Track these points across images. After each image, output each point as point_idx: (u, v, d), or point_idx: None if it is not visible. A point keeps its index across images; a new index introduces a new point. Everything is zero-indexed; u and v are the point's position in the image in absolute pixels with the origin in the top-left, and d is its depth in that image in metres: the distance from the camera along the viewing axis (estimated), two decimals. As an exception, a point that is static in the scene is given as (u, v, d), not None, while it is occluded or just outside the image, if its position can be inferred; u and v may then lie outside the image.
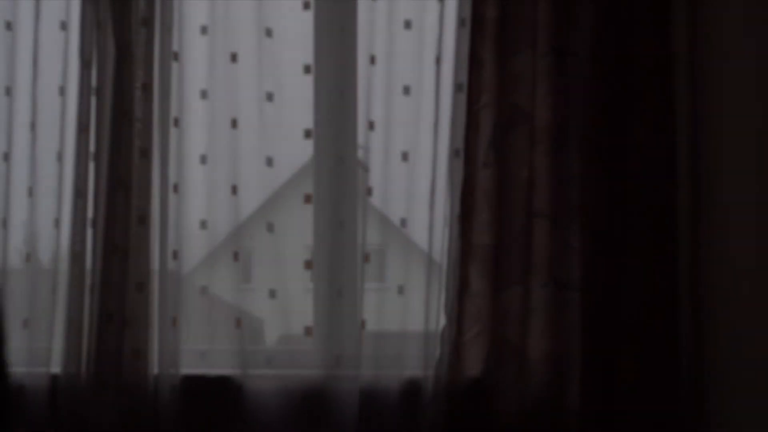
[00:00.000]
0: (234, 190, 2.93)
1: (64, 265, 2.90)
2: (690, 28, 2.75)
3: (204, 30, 2.96)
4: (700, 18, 2.70)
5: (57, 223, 2.91)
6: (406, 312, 2.97)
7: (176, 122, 2.92)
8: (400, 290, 3.03)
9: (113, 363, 2.82)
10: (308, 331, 2.99)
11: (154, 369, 2.84)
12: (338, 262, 3.04)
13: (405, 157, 2.97)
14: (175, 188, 2.90)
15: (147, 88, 2.89)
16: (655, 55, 2.75)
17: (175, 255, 2.88)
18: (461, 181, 2.82)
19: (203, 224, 2.95)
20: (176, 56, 2.93)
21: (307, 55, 2.99)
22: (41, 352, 2.89)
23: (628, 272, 2.74)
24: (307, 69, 2.97)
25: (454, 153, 2.88)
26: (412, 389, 2.86)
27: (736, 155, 2.47)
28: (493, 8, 2.81)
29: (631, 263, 2.73)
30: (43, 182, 2.93)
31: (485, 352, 2.78)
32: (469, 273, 2.80)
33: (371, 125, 2.94)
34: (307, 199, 3.00)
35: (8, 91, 2.95)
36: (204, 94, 2.96)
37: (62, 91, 2.93)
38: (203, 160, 2.95)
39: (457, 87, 2.87)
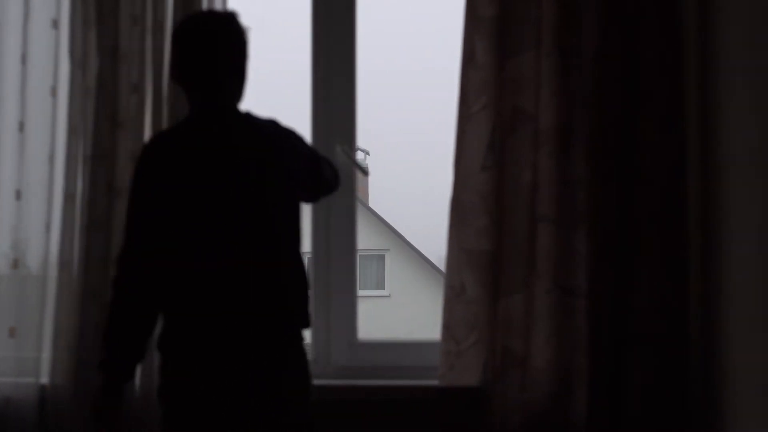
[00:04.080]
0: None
1: (53, 272, 2.83)
2: (700, 25, 2.69)
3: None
4: (710, 14, 2.64)
5: (47, 228, 2.83)
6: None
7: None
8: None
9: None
10: (305, 339, 2.93)
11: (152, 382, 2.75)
12: (333, 268, 2.97)
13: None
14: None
15: (138, 88, 2.81)
16: (663, 53, 2.69)
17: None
18: (452, 185, 2.75)
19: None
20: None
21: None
22: (29, 362, 2.82)
23: (637, 278, 2.67)
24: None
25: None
26: (410, 399, 2.80)
27: (749, 157, 2.40)
28: (491, 7, 2.74)
29: (640, 269, 2.67)
30: (32, 185, 2.87)
31: (483, 361, 2.71)
32: (464, 280, 2.72)
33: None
34: (304, 202, 2.95)
35: (-3, 91, 2.89)
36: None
37: (53, 91, 2.86)
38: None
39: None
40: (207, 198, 2.30)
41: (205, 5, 2.84)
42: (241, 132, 2.36)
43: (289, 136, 2.44)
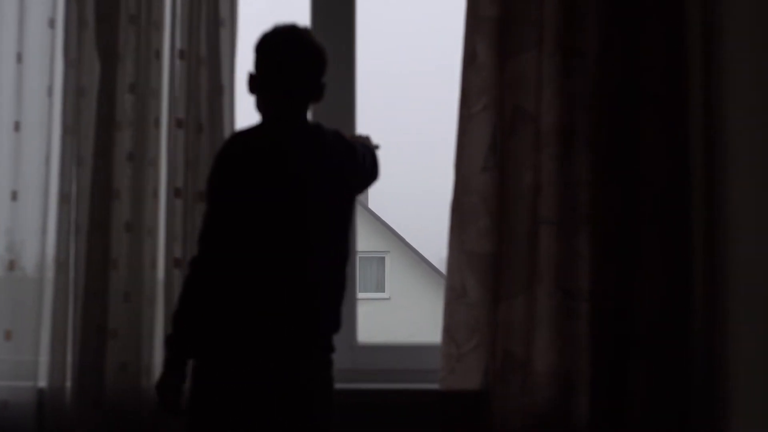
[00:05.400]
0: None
1: (49, 274, 2.81)
2: (704, 26, 2.66)
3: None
4: (715, 14, 2.61)
5: (43, 229, 2.81)
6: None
7: (179, 123, 2.81)
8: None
9: (102, 377, 2.73)
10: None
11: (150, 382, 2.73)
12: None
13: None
14: (177, 193, 2.79)
15: (135, 88, 2.79)
16: (666, 54, 2.66)
17: (177, 263, 2.77)
18: (453, 187, 2.73)
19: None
20: (182, 54, 2.81)
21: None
22: (26, 365, 2.79)
23: (640, 281, 2.64)
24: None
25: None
26: (410, 403, 2.78)
27: (753, 158, 2.37)
28: (493, 7, 2.72)
29: (643, 271, 2.64)
30: (28, 186, 2.84)
31: (484, 365, 2.69)
32: (465, 282, 2.70)
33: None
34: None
35: (-8, 91, 2.86)
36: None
37: (50, 91, 2.84)
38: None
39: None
40: (263, 202, 2.35)
41: (204, 4, 2.81)
42: (304, 143, 2.41)
43: (349, 147, 2.50)
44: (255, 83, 2.45)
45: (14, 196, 2.82)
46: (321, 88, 2.48)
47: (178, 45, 2.81)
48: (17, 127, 2.84)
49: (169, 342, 2.39)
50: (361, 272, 15.79)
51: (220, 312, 2.34)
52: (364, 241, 16.73)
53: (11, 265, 2.84)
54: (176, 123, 2.79)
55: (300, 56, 2.43)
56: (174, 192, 2.78)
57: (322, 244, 2.38)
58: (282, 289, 2.33)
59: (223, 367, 2.33)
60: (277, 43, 2.44)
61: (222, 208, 2.39)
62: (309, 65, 2.44)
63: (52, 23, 2.85)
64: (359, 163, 2.52)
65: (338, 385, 2.74)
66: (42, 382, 2.78)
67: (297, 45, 2.43)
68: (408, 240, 16.03)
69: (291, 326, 2.34)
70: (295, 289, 2.34)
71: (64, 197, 2.78)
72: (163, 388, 2.38)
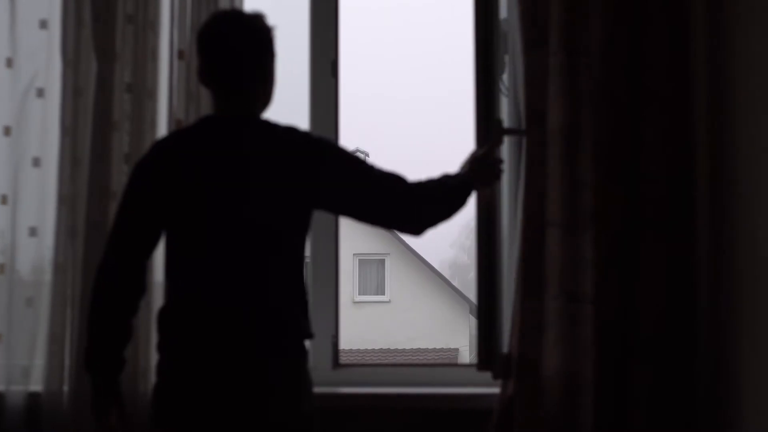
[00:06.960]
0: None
1: (45, 277, 2.78)
2: (709, 25, 2.64)
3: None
4: (720, 12, 2.59)
5: (38, 231, 2.80)
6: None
7: (179, 124, 2.78)
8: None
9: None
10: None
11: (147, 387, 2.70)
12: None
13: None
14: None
15: (133, 88, 2.76)
16: (671, 53, 2.64)
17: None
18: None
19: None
20: (181, 54, 2.78)
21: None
22: (20, 368, 2.77)
23: (645, 284, 2.61)
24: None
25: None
26: (413, 407, 2.77)
27: (759, 157, 2.35)
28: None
29: (648, 274, 2.61)
30: (22, 188, 2.81)
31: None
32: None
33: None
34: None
35: (-15, 92, 2.84)
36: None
37: (40, 92, 2.82)
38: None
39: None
40: (202, 202, 2.25)
41: (204, 4, 2.78)
42: (249, 139, 2.28)
43: (311, 144, 2.33)
44: (202, 76, 2.33)
45: (6, 199, 2.80)
46: (268, 72, 2.32)
47: (177, 45, 2.78)
48: (7, 131, 2.82)
49: (87, 367, 2.30)
50: (361, 275, 15.76)
51: (172, 323, 2.26)
52: (365, 243, 16.73)
53: (2, 269, 2.81)
54: (176, 123, 2.76)
55: (240, 45, 2.28)
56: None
57: (256, 246, 2.24)
58: (216, 293, 2.22)
59: (191, 379, 2.23)
60: (216, 33, 2.30)
61: (133, 218, 2.28)
62: (251, 54, 2.29)
63: (43, 24, 2.83)
64: (333, 165, 2.32)
65: (348, 389, 2.73)
66: (39, 386, 2.75)
67: (232, 29, 2.29)
68: (408, 242, 16.04)
69: (237, 334, 2.21)
70: (226, 292, 2.22)
71: (61, 199, 2.76)
72: (95, 411, 2.30)
